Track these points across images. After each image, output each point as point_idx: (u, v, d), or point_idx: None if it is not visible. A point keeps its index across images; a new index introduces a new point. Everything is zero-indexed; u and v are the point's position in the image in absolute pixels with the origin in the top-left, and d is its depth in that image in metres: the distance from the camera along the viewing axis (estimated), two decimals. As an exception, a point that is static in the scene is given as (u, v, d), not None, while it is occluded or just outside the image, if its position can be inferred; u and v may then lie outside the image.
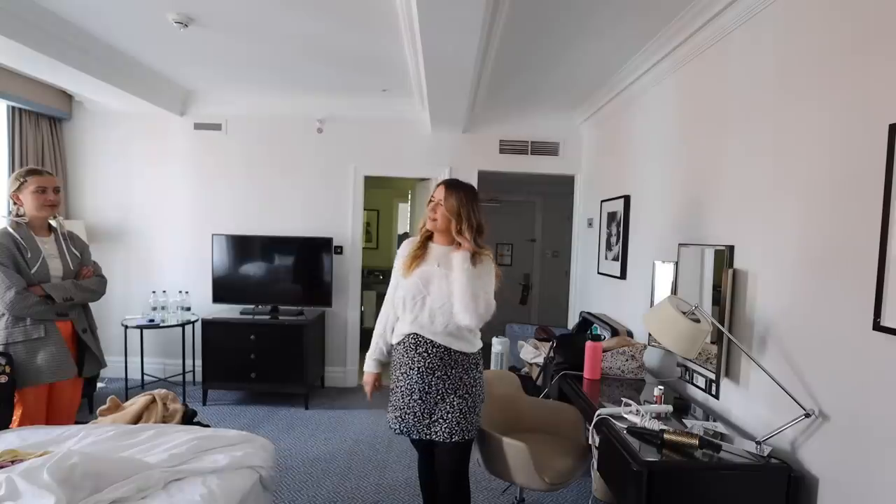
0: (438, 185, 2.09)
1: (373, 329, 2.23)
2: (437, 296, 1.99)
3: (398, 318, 2.11)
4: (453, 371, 2.00)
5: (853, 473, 1.57)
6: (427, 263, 2.05)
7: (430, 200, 2.08)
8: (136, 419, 2.56)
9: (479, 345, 2.11)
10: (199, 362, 4.44)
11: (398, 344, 2.08)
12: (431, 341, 1.99)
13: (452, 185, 2.07)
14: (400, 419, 2.04)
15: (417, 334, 2.01)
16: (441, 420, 1.98)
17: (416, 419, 2.01)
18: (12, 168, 3.92)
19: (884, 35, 1.53)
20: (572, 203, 4.89)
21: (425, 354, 1.99)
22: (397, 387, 2.06)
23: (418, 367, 1.99)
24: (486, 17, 2.36)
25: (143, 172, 4.66)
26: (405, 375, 2.03)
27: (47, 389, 2.46)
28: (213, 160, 4.66)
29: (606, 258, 3.89)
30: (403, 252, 2.14)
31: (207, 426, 2.51)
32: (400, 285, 2.08)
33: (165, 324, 4.20)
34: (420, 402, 2.00)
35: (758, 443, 1.81)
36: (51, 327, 2.43)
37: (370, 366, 2.22)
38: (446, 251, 2.07)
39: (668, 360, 2.79)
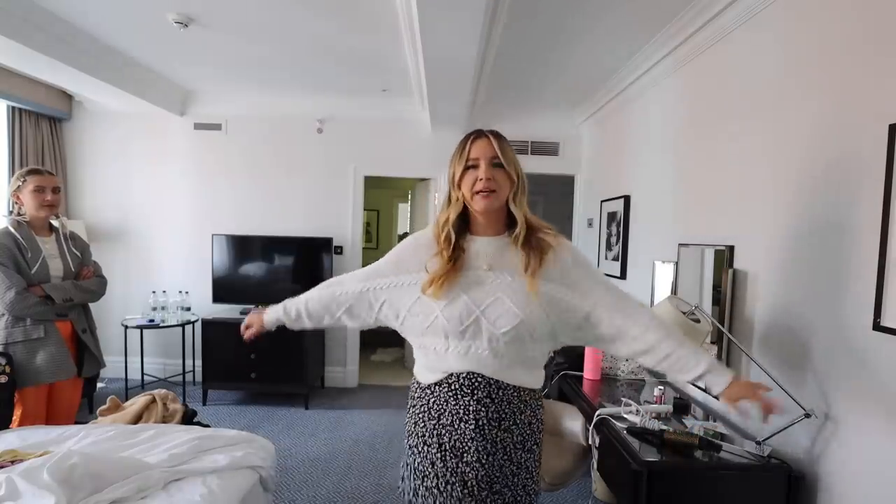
0: (475, 140, 1.36)
1: (374, 329, 1.68)
2: (501, 316, 1.30)
3: (425, 343, 1.40)
4: (522, 417, 1.37)
5: (853, 473, 1.57)
6: (470, 269, 1.36)
7: (469, 166, 1.35)
8: (136, 419, 2.56)
9: (544, 371, 1.48)
10: (199, 362, 4.43)
11: (436, 385, 1.38)
12: (497, 382, 1.33)
13: (497, 133, 1.39)
14: (438, 491, 1.35)
15: (474, 373, 1.33)
16: (505, 490, 1.36)
17: (467, 491, 1.34)
18: (12, 168, 3.92)
19: (884, 35, 1.53)
20: (572, 203, 4.89)
21: (487, 401, 1.33)
22: (432, 444, 1.37)
23: (477, 420, 1.33)
24: (487, 17, 2.36)
25: (143, 172, 4.65)
26: (452, 429, 1.35)
27: (47, 389, 2.46)
28: (213, 160, 4.66)
29: (606, 258, 3.89)
30: (414, 255, 1.43)
31: (207, 426, 2.51)
32: (422, 304, 1.36)
33: (165, 324, 4.20)
34: (478, 465, 1.34)
35: (758, 443, 1.81)
36: (50, 327, 2.43)
37: (272, 315, 1.60)
38: (498, 245, 1.39)
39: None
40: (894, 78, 1.48)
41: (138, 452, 1.95)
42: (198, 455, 1.97)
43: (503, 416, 1.35)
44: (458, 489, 1.35)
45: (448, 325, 1.32)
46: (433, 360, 1.39)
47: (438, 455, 1.36)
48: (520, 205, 1.38)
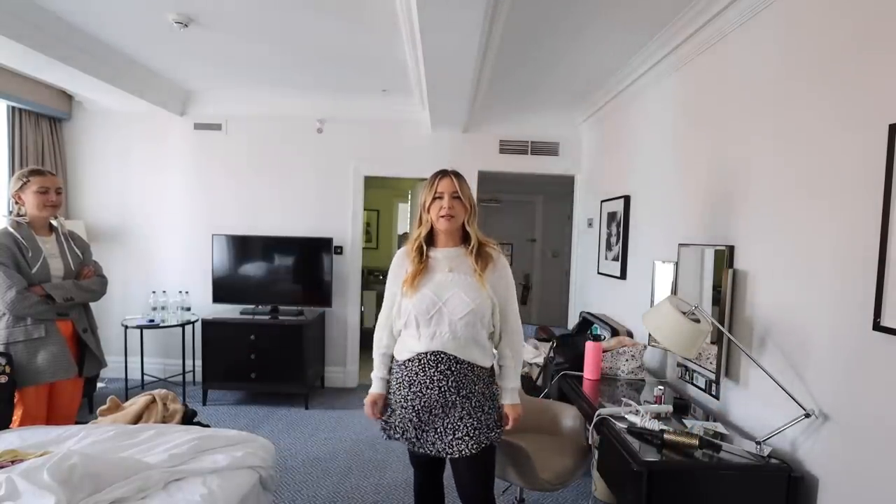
0: (441, 178, 1.84)
1: (373, 329, 2.06)
2: (458, 306, 1.77)
3: (404, 334, 1.88)
4: (476, 388, 1.81)
5: (853, 473, 1.57)
6: (436, 272, 1.83)
7: (436, 198, 1.83)
8: (136, 419, 2.56)
9: (493, 354, 1.93)
10: (199, 362, 4.44)
11: (409, 361, 1.83)
12: (455, 358, 1.78)
13: (457, 173, 1.86)
14: (415, 435, 1.84)
15: (439, 352, 1.78)
16: (466, 437, 1.77)
17: (437, 436, 1.81)
18: (12, 168, 3.92)
19: (884, 35, 1.53)
20: (572, 203, 4.89)
21: (448, 372, 1.77)
22: (408, 405, 1.82)
23: (440, 386, 1.77)
24: (486, 17, 2.36)
25: (144, 172, 4.66)
26: (419, 394, 1.80)
27: (48, 389, 2.46)
28: (213, 160, 4.66)
29: (606, 258, 3.89)
30: (401, 266, 1.91)
31: (207, 426, 2.51)
32: (403, 304, 1.85)
33: (165, 324, 4.20)
34: (441, 418, 1.79)
35: (758, 443, 1.81)
36: (51, 327, 2.43)
37: (377, 385, 1.94)
38: (456, 253, 1.87)
39: (668, 360, 2.79)
40: (894, 78, 1.48)
41: (138, 452, 1.95)
42: (198, 455, 1.97)
43: (461, 384, 1.79)
44: (431, 435, 1.82)
45: (418, 315, 1.79)
46: (409, 344, 1.84)
47: (413, 414, 1.82)
48: (472, 225, 1.87)
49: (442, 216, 1.81)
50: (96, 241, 4.49)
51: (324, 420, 3.97)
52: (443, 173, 1.86)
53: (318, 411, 4.16)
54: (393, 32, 2.96)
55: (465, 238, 1.89)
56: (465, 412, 1.78)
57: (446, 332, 1.77)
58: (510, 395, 1.89)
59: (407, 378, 1.82)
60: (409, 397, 1.82)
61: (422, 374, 1.79)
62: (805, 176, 1.82)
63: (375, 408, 1.93)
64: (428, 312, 1.78)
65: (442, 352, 1.78)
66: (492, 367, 1.89)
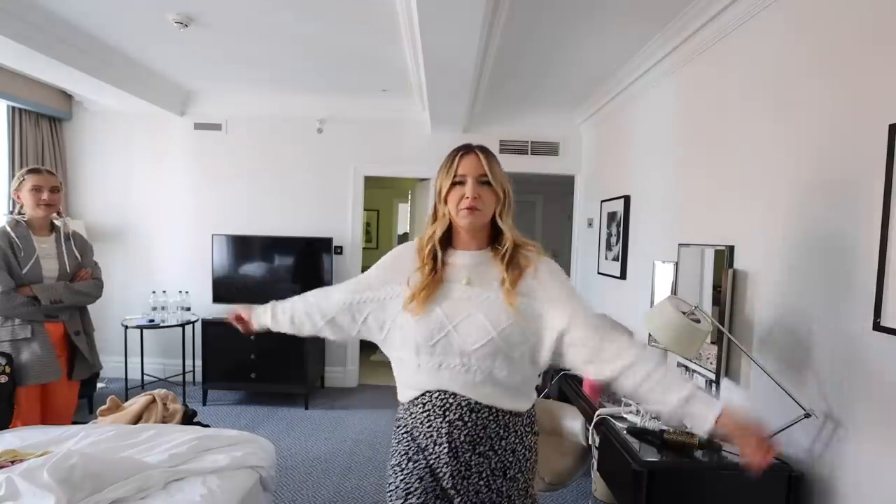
0: (463, 156, 1.31)
1: None
2: (472, 332, 1.25)
3: (405, 359, 1.34)
4: (502, 443, 1.30)
5: (853, 473, 1.57)
6: (451, 283, 1.32)
7: (455, 182, 1.31)
8: (136, 419, 2.56)
9: (535, 395, 1.39)
10: (199, 362, 4.43)
11: (411, 403, 1.34)
12: (468, 401, 1.27)
13: (485, 149, 1.34)
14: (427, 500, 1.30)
15: (446, 393, 1.28)
16: None
17: None
18: (12, 168, 3.92)
19: (884, 35, 1.53)
20: (572, 203, 4.89)
21: (459, 423, 1.27)
22: (419, 460, 1.32)
23: (450, 442, 1.28)
24: (486, 17, 2.36)
25: (144, 172, 4.66)
26: (424, 454, 1.31)
27: (39, 390, 2.44)
28: (214, 160, 4.67)
29: (606, 258, 3.89)
30: (403, 263, 1.39)
31: (207, 426, 2.51)
32: (403, 317, 1.33)
33: (165, 324, 4.20)
34: (453, 491, 1.29)
35: (758, 443, 1.81)
36: (38, 328, 2.40)
37: (261, 318, 1.50)
38: (480, 259, 1.34)
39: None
40: (894, 78, 1.48)
41: (138, 452, 1.95)
42: (198, 455, 1.97)
43: (478, 440, 1.28)
44: None
45: (419, 338, 1.28)
46: (407, 374, 1.35)
47: (427, 471, 1.31)
48: (506, 221, 1.35)
49: (463, 208, 1.29)
50: (96, 241, 4.47)
51: (324, 420, 3.97)
52: (466, 149, 1.33)
53: (318, 411, 4.16)
54: (393, 32, 2.95)
55: (495, 237, 1.38)
56: (481, 482, 1.29)
57: (457, 365, 1.27)
58: (705, 406, 1.14)
59: (415, 429, 1.34)
60: (415, 461, 1.33)
61: (427, 426, 1.30)
62: (805, 175, 1.82)
63: (239, 319, 1.51)
64: (433, 337, 1.27)
65: (451, 392, 1.27)
66: (530, 410, 1.37)
